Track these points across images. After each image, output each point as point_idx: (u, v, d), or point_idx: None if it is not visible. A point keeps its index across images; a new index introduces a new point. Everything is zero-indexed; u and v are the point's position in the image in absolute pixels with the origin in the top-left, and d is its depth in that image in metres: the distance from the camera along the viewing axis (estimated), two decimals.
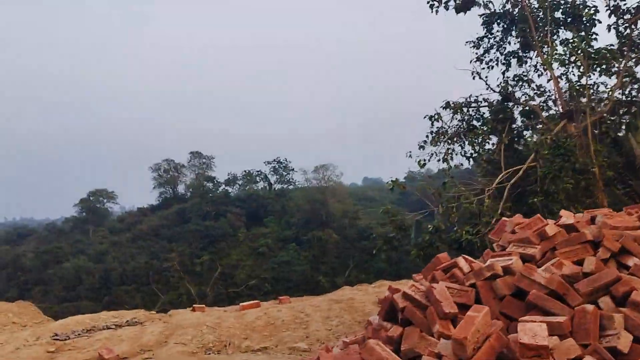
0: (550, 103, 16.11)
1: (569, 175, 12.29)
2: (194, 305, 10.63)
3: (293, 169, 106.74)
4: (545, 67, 15.06)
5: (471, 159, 17.39)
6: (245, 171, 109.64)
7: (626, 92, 15.37)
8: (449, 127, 16.77)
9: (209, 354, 8.02)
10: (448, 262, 6.05)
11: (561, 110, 14.25)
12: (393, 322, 5.42)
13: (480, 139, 15.83)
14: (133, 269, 71.71)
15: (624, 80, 15.21)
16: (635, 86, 15.68)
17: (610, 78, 15.53)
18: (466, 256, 6.06)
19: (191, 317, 10.14)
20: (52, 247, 78.04)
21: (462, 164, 17.82)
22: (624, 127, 15.40)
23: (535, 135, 13.71)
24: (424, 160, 16.96)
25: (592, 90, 15.58)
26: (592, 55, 14.73)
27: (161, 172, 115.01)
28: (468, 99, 16.59)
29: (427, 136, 17.64)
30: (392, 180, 12.84)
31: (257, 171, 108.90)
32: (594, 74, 15.40)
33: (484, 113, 16.93)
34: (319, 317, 9.02)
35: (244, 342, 8.62)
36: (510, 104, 16.07)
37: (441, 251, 15.16)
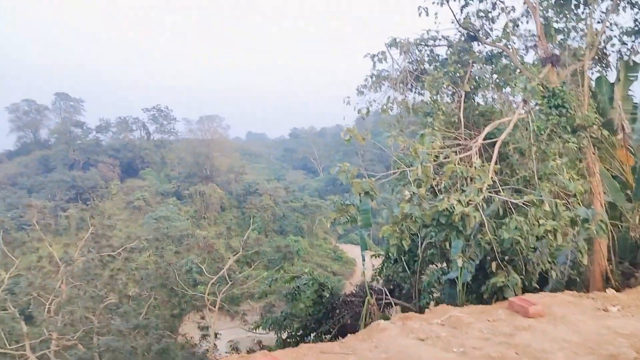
0: (522, 45, 13.64)
1: (567, 132, 9.84)
2: None
3: (175, 119, 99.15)
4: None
5: (413, 110, 14.58)
6: (119, 117, 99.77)
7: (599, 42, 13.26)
8: (398, 69, 13.75)
9: None
10: None
11: (543, 54, 11.79)
12: None
13: (436, 85, 12.96)
14: None
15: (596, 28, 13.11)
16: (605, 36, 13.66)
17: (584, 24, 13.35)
18: None
19: None
20: None
21: (401, 116, 15.03)
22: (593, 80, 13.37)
23: (518, 81, 11.11)
24: (367, 108, 13.94)
25: (563, 36, 13.32)
26: None
27: (19, 114, 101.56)
28: (424, 36, 13.59)
29: (366, 80, 14.58)
30: (347, 129, 9.48)
31: (134, 118, 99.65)
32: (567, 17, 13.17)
33: (438, 54, 14.10)
34: None
35: None
36: (475, 44, 13.33)
37: (423, 227, 12.32)
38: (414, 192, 8.40)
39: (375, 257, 18.82)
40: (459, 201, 8.17)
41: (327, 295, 17.34)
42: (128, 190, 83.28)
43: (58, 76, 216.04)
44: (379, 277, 18.41)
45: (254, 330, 17.96)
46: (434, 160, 9.06)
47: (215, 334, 26.56)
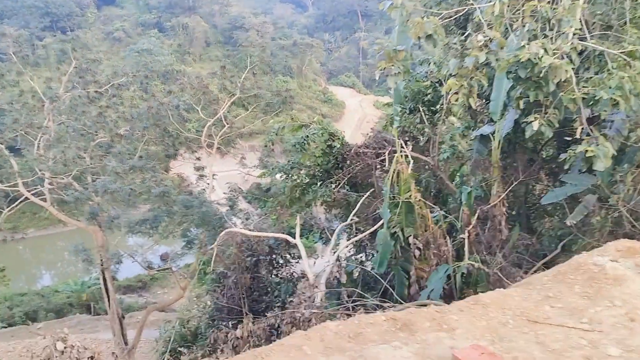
0: None
1: None
2: None
3: None
4: None
5: None
6: None
7: None
8: None
9: None
10: None
11: None
12: None
13: None
14: None
15: None
16: None
17: None
18: None
19: None
20: None
21: None
22: None
23: None
24: None
25: None
26: None
27: None
28: None
29: None
30: None
31: None
32: None
33: None
34: None
35: None
36: None
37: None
38: (490, 38, 6.80)
39: (388, 105, 17.55)
40: (545, 50, 6.64)
41: (338, 146, 16.38)
42: (106, 20, 77.97)
43: None
44: (391, 127, 17.32)
45: (262, 177, 17.29)
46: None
47: (212, 175, 26.14)
